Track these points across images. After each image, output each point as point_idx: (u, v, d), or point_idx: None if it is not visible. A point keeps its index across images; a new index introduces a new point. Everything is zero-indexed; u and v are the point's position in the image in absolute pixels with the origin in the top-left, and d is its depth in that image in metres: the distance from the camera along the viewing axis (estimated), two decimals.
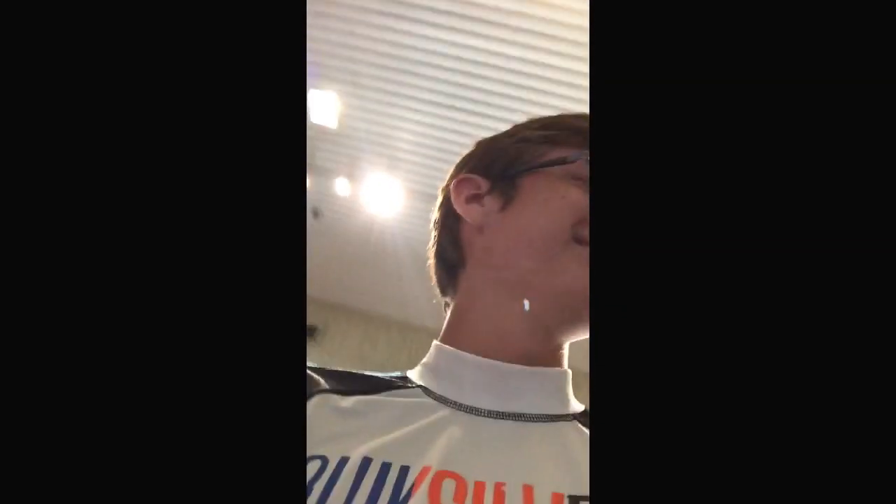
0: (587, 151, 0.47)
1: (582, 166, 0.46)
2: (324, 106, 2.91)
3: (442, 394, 0.44)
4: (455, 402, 0.43)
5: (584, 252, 0.44)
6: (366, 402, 0.43)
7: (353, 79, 2.75)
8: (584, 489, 0.36)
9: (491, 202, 0.48)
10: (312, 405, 0.42)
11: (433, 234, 0.54)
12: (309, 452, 0.38)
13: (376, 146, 3.18)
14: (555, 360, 0.47)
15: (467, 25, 2.36)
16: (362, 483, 0.36)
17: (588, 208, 0.45)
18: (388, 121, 3.00)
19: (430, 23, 2.38)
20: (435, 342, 0.50)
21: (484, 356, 0.45)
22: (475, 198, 0.49)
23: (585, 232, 0.45)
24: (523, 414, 0.43)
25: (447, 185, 0.52)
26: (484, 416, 0.42)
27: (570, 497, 0.36)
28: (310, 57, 2.54)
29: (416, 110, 2.87)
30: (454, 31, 2.40)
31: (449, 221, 0.51)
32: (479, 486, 0.36)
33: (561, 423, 0.43)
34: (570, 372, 0.48)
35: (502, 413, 0.42)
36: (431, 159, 3.12)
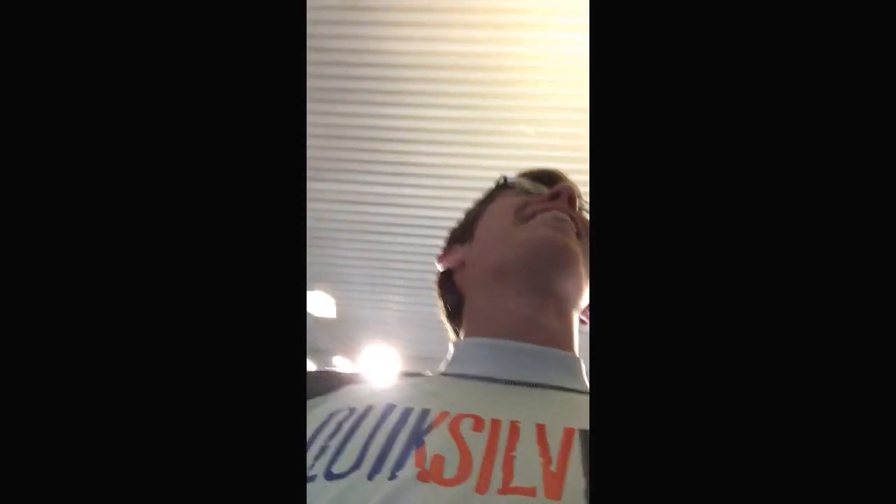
0: (509, 175, 0.61)
1: (510, 188, 0.59)
2: (322, 302, 3.39)
3: (458, 373, 0.48)
4: (471, 375, 0.46)
5: (531, 223, 0.52)
6: (388, 383, 0.47)
7: (345, 277, 3.25)
8: None
9: (462, 246, 0.59)
10: (337, 395, 0.44)
11: (439, 301, 0.62)
12: (336, 408, 0.40)
13: (369, 326, 3.64)
14: (566, 345, 0.50)
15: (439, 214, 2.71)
16: (386, 420, 0.38)
17: (521, 204, 0.54)
18: (376, 305, 3.49)
19: (408, 232, 2.92)
20: (452, 341, 0.54)
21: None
22: (451, 251, 0.60)
23: (524, 213, 0.53)
24: (537, 383, 0.44)
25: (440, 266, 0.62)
26: (499, 383, 0.44)
27: (581, 431, 0.37)
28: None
29: (399, 293, 3.37)
30: (430, 230, 2.89)
31: (444, 283, 0.61)
32: (496, 423, 0.37)
33: (574, 394, 0.45)
34: (579, 360, 0.50)
35: (516, 381, 0.44)
36: (419, 328, 3.58)
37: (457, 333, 0.58)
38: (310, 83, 1.63)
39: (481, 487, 0.32)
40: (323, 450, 0.36)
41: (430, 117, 2.19)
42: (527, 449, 0.35)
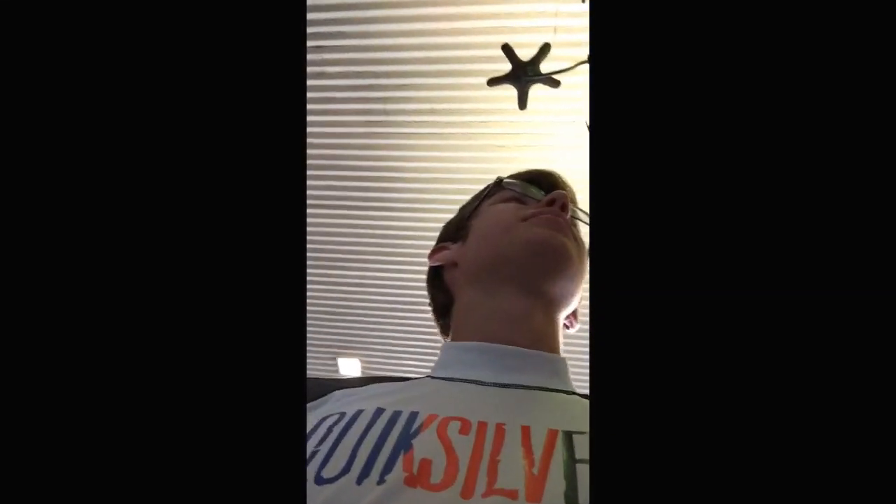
0: (506, 178, 0.61)
1: (505, 190, 0.59)
2: (351, 369, 3.37)
3: (446, 376, 0.48)
4: (459, 378, 0.46)
5: (533, 223, 0.52)
6: (380, 386, 0.47)
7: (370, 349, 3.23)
8: (580, 427, 0.38)
9: (455, 245, 0.58)
10: (328, 400, 0.45)
11: (429, 299, 0.62)
12: (327, 413, 0.41)
13: None
14: (551, 347, 0.51)
15: None
16: (375, 424, 0.39)
17: (519, 207, 0.55)
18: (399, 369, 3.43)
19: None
20: (444, 343, 0.54)
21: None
22: (442, 248, 0.60)
23: (522, 214, 0.53)
24: (524, 385, 0.45)
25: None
26: (486, 385, 0.45)
27: (565, 432, 0.38)
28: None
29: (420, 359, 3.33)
30: None
31: (433, 280, 0.60)
32: (482, 425, 0.38)
33: (560, 394, 0.45)
34: (565, 361, 0.51)
35: (504, 384, 0.45)
36: None
37: (445, 333, 0.58)
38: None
39: (466, 492, 0.33)
40: (313, 454, 0.37)
41: None
42: (511, 451, 0.36)
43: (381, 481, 0.34)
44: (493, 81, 1.17)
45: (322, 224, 1.96)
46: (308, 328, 2.46)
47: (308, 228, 1.99)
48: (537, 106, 1.29)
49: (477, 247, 0.55)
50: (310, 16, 1.39)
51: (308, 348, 2.51)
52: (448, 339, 0.55)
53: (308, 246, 2.07)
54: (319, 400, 0.45)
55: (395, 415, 0.39)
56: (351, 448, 0.36)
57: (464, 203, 0.64)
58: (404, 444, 0.36)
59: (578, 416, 0.40)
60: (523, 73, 1.06)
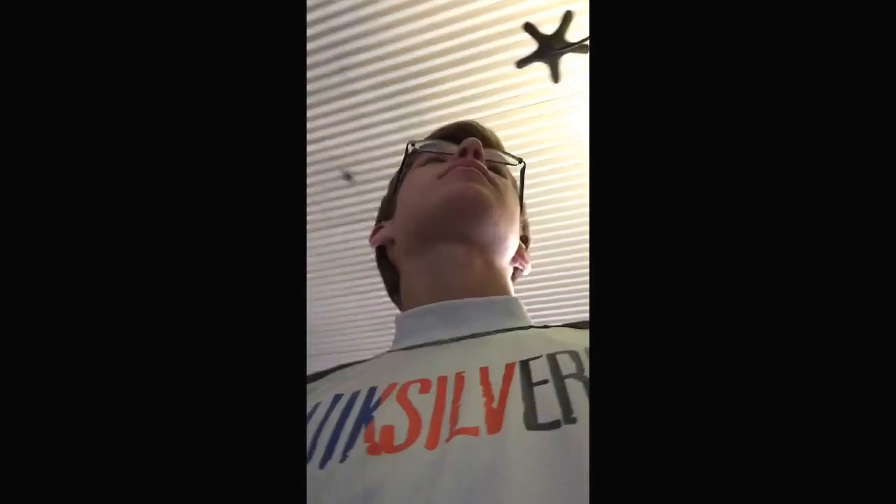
0: (419, 140, 0.61)
1: (422, 154, 0.59)
2: None
3: (403, 346, 0.48)
4: (416, 345, 0.46)
5: (446, 179, 0.53)
6: (339, 373, 0.47)
7: None
8: (535, 354, 0.38)
9: (388, 222, 0.61)
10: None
11: (382, 279, 0.63)
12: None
13: None
14: (500, 291, 0.51)
15: None
16: (333, 411, 0.37)
17: (432, 172, 0.55)
18: None
19: None
20: (395, 315, 0.54)
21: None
22: (380, 228, 0.62)
23: (441, 171, 0.54)
24: (479, 333, 0.45)
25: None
26: (443, 343, 0.44)
27: (521, 362, 0.37)
28: None
29: None
30: None
31: (380, 260, 0.62)
32: (441, 380, 0.37)
33: (517, 332, 0.45)
34: (517, 299, 0.51)
35: (460, 337, 0.45)
36: None
37: (400, 308, 0.57)
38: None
39: (431, 442, 0.32)
40: None
41: None
42: (471, 393, 0.35)
43: (343, 458, 0.33)
44: (521, 63, 1.16)
45: (361, 237, 1.99)
46: (359, 335, 2.49)
47: (347, 242, 2.02)
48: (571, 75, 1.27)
49: (403, 217, 0.56)
50: (326, 39, 1.41)
51: (360, 352, 2.56)
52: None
53: (345, 257, 2.10)
54: None
55: (354, 395, 0.39)
56: (311, 438, 0.35)
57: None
58: (364, 418, 0.36)
59: (534, 346, 0.40)
60: (550, 48, 1.05)
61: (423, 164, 0.58)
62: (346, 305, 2.32)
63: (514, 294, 0.54)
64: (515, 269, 0.59)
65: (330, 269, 2.15)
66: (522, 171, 0.63)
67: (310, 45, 1.42)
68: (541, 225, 1.84)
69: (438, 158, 0.58)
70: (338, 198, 1.87)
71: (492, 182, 0.54)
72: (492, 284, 0.51)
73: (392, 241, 0.59)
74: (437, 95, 1.52)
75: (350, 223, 1.96)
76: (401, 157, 0.66)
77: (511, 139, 1.56)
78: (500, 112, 1.52)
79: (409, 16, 1.34)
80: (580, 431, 0.30)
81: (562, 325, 0.48)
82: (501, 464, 0.29)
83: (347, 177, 1.81)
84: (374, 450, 0.33)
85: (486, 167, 0.55)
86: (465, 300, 0.48)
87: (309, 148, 1.69)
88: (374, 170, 1.75)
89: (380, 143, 1.67)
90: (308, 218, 1.92)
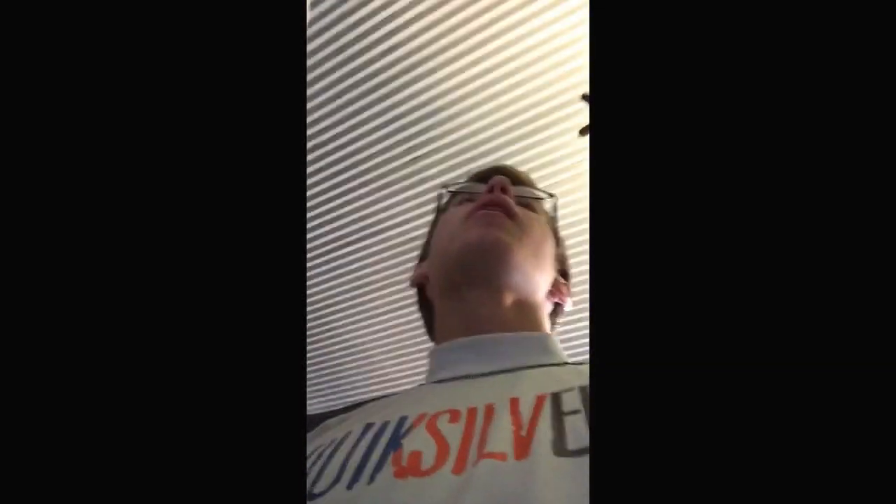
0: (449, 188, 0.64)
1: (455, 195, 0.62)
2: None
3: (435, 380, 0.48)
4: (448, 378, 0.46)
5: (469, 224, 0.54)
6: (372, 405, 0.48)
7: None
8: (568, 387, 0.37)
9: (425, 262, 0.63)
10: (326, 426, 0.46)
11: (422, 319, 0.65)
12: (319, 444, 0.41)
13: None
14: (532, 328, 0.52)
15: None
16: (364, 437, 0.38)
17: (460, 214, 0.56)
18: None
19: None
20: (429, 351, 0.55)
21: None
22: (417, 268, 0.65)
23: (465, 213, 0.55)
24: (513, 367, 0.44)
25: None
26: (475, 377, 0.44)
27: (553, 393, 0.37)
28: None
29: None
30: None
31: (420, 300, 0.64)
32: (472, 411, 0.37)
33: (551, 367, 0.45)
34: (553, 336, 0.52)
35: (492, 371, 0.44)
36: None
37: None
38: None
39: (458, 467, 0.32)
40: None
41: None
42: (500, 423, 0.35)
43: (371, 481, 0.33)
44: (584, 131, 1.20)
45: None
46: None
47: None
48: None
49: (436, 259, 0.58)
50: (405, 133, 1.51)
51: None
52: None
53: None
54: (311, 433, 0.46)
55: (384, 424, 0.39)
56: (340, 462, 0.36)
57: None
58: (394, 445, 0.36)
59: (568, 379, 0.40)
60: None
61: (458, 205, 0.61)
62: None
63: (550, 331, 0.54)
64: (556, 304, 0.59)
65: None
66: (555, 204, 0.65)
67: (380, 133, 1.52)
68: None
69: (470, 199, 0.60)
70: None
71: (515, 218, 0.55)
72: (525, 321, 0.52)
73: (427, 280, 0.61)
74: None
75: None
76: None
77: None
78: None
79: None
80: None
81: None
82: (530, 488, 0.29)
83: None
84: (400, 473, 0.33)
85: (511, 203, 0.56)
86: (497, 335, 0.49)
87: (381, 235, 1.77)
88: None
89: None
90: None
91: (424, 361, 2.31)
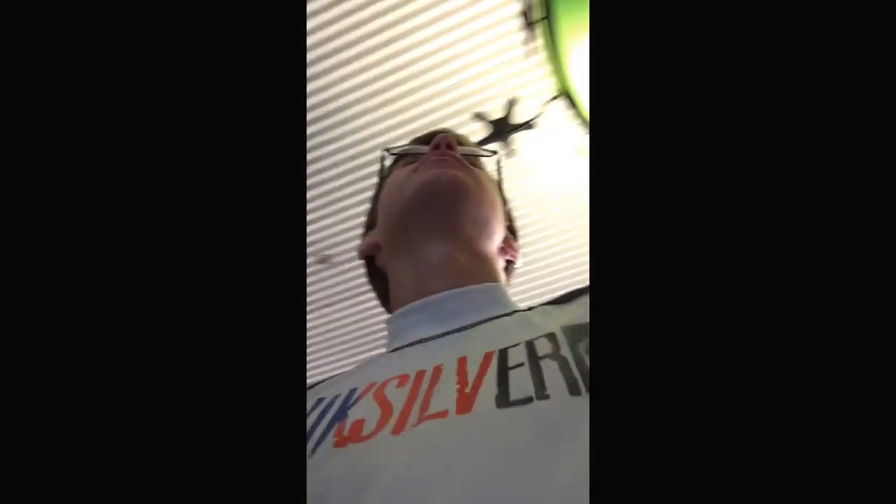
0: (391, 150, 0.61)
1: (394, 162, 0.59)
2: None
3: (392, 348, 0.47)
4: (403, 345, 0.45)
5: (419, 170, 0.52)
6: (330, 380, 0.46)
7: None
8: (515, 342, 0.37)
9: (372, 230, 0.60)
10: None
11: (374, 293, 0.63)
12: None
13: None
14: (485, 279, 0.50)
15: None
16: (312, 412, 0.38)
17: (407, 170, 0.54)
18: None
19: None
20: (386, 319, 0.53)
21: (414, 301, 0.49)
22: (364, 239, 0.62)
23: (414, 166, 0.53)
24: (464, 326, 0.44)
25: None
26: (428, 341, 0.44)
27: (500, 350, 0.37)
28: None
29: None
30: None
31: (370, 272, 0.62)
32: (419, 374, 0.37)
33: (501, 319, 0.44)
34: (502, 286, 0.51)
35: (444, 333, 0.44)
36: None
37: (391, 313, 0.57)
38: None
39: (398, 428, 0.32)
40: None
41: None
42: (446, 382, 0.35)
43: (312, 454, 0.33)
44: (479, 143, 1.26)
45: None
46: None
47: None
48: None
49: (384, 218, 0.56)
50: None
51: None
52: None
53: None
54: None
55: (334, 398, 0.39)
56: None
57: None
58: (338, 417, 0.36)
59: (515, 333, 0.39)
60: (500, 130, 1.16)
61: (402, 167, 0.58)
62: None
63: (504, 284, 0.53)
64: (508, 262, 0.59)
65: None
66: (499, 162, 0.64)
67: None
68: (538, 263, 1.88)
69: (413, 161, 0.57)
70: (317, 280, 1.92)
71: (468, 168, 0.54)
72: (477, 274, 0.50)
73: (378, 248, 0.58)
74: None
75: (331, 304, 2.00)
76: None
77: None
78: None
79: (376, 104, 1.46)
80: (553, 406, 0.30)
81: (546, 304, 0.47)
82: (471, 439, 0.29)
83: (323, 260, 1.86)
84: (340, 443, 0.33)
85: (460, 156, 0.54)
86: (447, 293, 0.48)
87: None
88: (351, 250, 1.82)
89: (353, 224, 1.75)
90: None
91: None
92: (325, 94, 1.42)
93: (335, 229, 1.76)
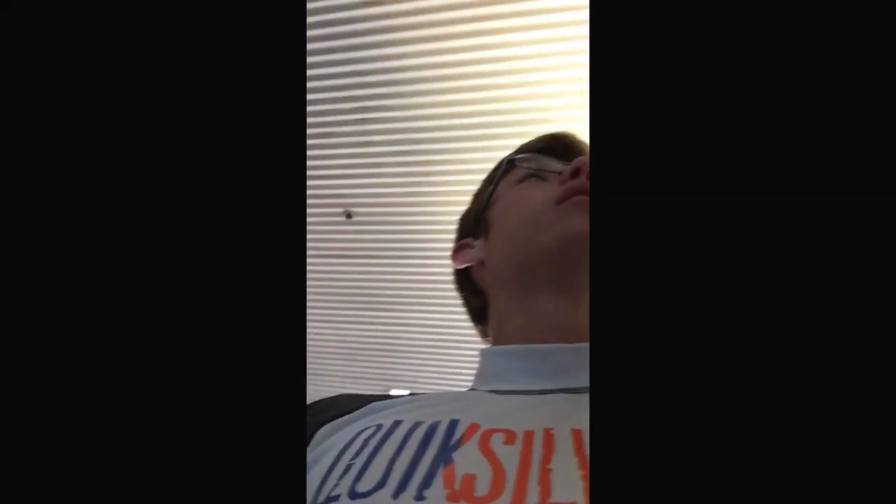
0: (513, 153, 0.53)
1: (516, 168, 0.52)
2: None
3: (489, 389, 0.44)
4: (503, 391, 0.42)
5: (564, 210, 0.45)
6: (421, 397, 0.43)
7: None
8: None
9: (477, 242, 0.53)
10: (372, 409, 0.42)
11: (462, 303, 0.57)
12: (364, 426, 0.38)
13: None
14: None
15: None
16: (412, 436, 0.36)
17: (541, 196, 0.47)
18: None
19: None
20: (481, 349, 0.49)
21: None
22: (465, 246, 0.55)
23: (555, 196, 0.46)
24: (573, 388, 0.40)
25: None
26: (532, 394, 0.41)
27: None
28: None
29: None
30: None
31: (463, 282, 0.56)
32: (528, 434, 0.35)
33: None
34: None
35: (550, 390, 0.41)
36: None
37: (485, 336, 0.53)
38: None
39: (517, 502, 0.30)
40: (348, 468, 0.34)
41: None
42: (564, 460, 0.33)
43: (419, 497, 0.31)
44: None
45: (371, 272, 2.09)
46: (361, 363, 2.59)
47: (359, 276, 2.12)
48: None
49: (504, 245, 0.50)
50: (355, 92, 1.54)
51: (363, 381, 2.64)
52: (488, 345, 0.50)
53: (359, 291, 2.20)
54: (357, 412, 0.42)
55: (434, 425, 0.37)
56: (387, 461, 0.34)
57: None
58: (444, 457, 0.34)
59: None
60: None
61: (522, 181, 0.52)
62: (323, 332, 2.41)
63: None
64: None
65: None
66: None
67: (334, 93, 1.54)
68: None
69: (539, 176, 0.52)
70: (336, 233, 1.97)
71: None
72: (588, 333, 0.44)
73: (482, 264, 0.53)
74: (453, 163, 1.65)
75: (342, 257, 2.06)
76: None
77: None
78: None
79: (435, 89, 1.47)
80: None
81: None
82: None
83: (348, 215, 1.90)
84: (453, 497, 0.31)
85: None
86: (558, 346, 0.43)
87: (315, 183, 1.80)
88: (382, 215, 1.86)
89: (387, 190, 1.78)
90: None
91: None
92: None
93: (363, 189, 1.79)
